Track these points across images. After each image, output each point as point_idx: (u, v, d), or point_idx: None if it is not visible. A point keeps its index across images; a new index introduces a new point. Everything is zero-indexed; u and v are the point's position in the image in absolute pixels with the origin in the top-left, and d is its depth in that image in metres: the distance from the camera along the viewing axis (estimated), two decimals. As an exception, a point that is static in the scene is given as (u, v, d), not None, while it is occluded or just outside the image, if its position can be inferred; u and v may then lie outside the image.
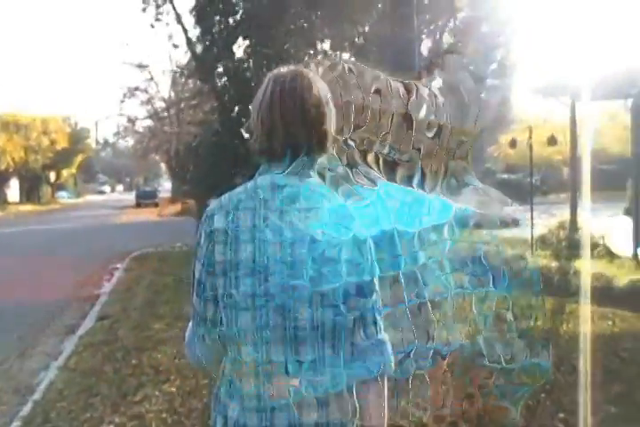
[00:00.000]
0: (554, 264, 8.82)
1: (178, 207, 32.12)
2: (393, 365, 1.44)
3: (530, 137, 11.21)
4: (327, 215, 1.40)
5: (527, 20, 18.16)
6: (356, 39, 11.49)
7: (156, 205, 40.23)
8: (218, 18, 11.40)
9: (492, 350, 1.58)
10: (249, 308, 1.43)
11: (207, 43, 11.49)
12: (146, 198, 43.00)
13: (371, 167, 1.51)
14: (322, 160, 1.50)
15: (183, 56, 21.14)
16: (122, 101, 34.06)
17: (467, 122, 1.65)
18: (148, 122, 37.29)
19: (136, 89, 33.45)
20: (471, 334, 1.62)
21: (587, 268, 8.29)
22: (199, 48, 12.51)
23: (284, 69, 1.53)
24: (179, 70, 25.54)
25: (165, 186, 63.49)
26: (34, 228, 24.11)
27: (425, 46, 12.53)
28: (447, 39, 13.53)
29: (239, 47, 11.66)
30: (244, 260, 1.43)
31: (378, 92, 1.51)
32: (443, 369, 1.57)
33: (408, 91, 1.54)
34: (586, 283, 7.57)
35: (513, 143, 15.09)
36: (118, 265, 12.75)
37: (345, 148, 1.50)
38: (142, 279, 10.56)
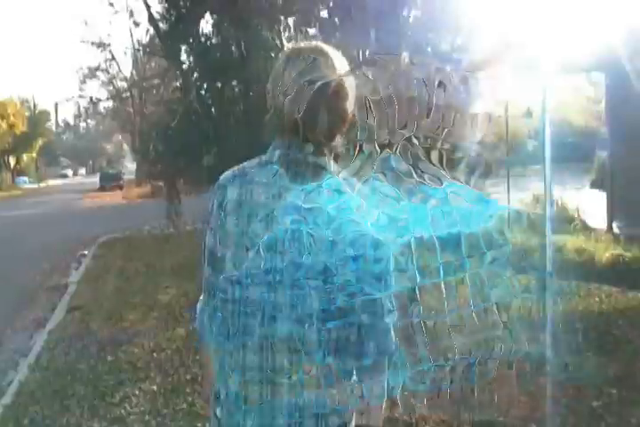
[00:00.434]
0: (533, 241, 8.73)
1: (143, 189, 31.43)
2: (393, 347, 1.41)
3: (506, 111, 11.12)
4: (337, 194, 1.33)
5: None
6: (321, 13, 11.19)
7: (121, 187, 39.41)
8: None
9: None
10: (257, 283, 1.42)
11: (173, 19, 11.07)
12: (110, 181, 41.84)
13: (434, 165, 1.43)
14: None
15: (145, 34, 20.53)
16: (82, 82, 33.23)
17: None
18: (110, 103, 36.49)
19: (97, 69, 32.63)
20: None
21: (569, 243, 8.21)
22: (163, 25, 12.05)
23: (302, 45, 1.52)
24: (140, 49, 24.86)
25: (129, 167, 62.27)
26: (-6, 215, 23.36)
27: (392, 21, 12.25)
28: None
29: (207, 23, 11.29)
30: (255, 234, 1.43)
31: (441, 85, 1.41)
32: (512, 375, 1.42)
33: (463, 82, 1.43)
34: (569, 259, 7.51)
35: (487, 118, 15.02)
36: (86, 252, 12.27)
37: (409, 145, 1.43)
38: (112, 266, 10.18)
